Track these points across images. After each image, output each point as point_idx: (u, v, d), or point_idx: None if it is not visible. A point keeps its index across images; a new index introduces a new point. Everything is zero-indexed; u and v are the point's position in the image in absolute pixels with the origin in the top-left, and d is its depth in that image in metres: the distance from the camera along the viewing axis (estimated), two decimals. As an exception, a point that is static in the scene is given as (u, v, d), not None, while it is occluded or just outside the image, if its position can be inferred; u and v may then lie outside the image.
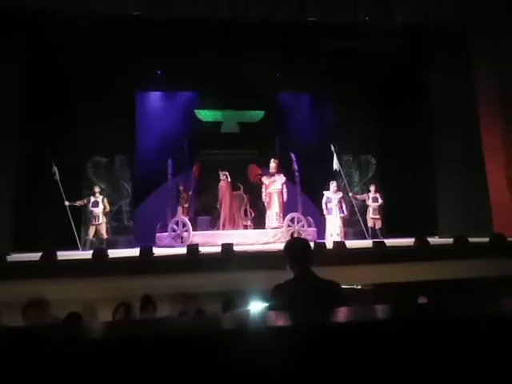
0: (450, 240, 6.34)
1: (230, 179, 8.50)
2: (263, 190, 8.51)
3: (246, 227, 8.56)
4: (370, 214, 8.53)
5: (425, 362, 1.22)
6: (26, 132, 7.93)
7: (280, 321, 1.49)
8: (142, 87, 9.40)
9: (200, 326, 1.48)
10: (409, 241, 6.45)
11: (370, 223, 8.52)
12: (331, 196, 8.13)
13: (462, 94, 7.94)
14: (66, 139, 8.29)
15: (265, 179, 8.52)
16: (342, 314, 1.56)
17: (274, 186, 8.42)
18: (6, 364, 1.08)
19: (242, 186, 8.98)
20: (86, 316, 3.43)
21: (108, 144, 8.70)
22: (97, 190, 8.07)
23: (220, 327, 1.41)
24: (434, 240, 7.11)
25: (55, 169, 7.54)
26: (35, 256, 5.58)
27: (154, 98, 9.82)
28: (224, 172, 8.53)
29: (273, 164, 8.56)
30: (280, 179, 8.43)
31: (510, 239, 6.14)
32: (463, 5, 7.28)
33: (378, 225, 8.47)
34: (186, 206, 8.59)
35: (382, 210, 8.57)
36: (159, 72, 9.13)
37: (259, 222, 8.59)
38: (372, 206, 8.54)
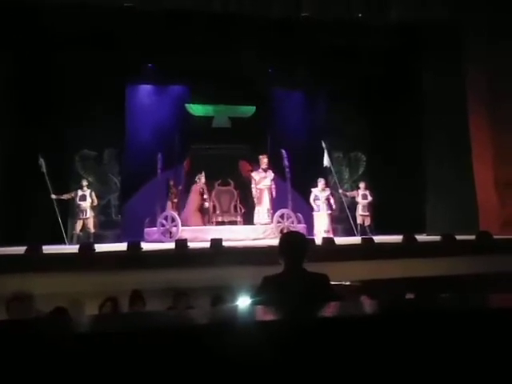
0: (438, 238, 6.42)
1: (204, 181, 8.46)
2: (253, 185, 8.50)
3: (235, 223, 8.55)
4: (360, 211, 8.59)
5: (412, 355, 1.22)
6: (14, 125, 7.81)
7: (268, 315, 1.49)
8: (132, 80, 9.28)
9: (188, 319, 1.46)
10: (397, 238, 6.51)
11: (359, 220, 8.58)
12: (318, 193, 8.17)
13: (453, 93, 8.01)
14: (54, 132, 8.16)
15: (255, 175, 8.52)
16: (330, 309, 1.56)
17: (265, 182, 8.42)
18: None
19: (232, 182, 8.96)
20: (72, 311, 3.39)
21: (97, 137, 8.59)
22: (84, 183, 7.96)
23: (208, 321, 1.40)
24: (421, 238, 7.19)
25: (42, 161, 7.42)
26: (20, 249, 5.49)
27: (145, 91, 9.70)
28: (199, 175, 8.49)
29: (264, 160, 8.55)
30: (270, 175, 8.44)
31: (495, 237, 6.24)
32: (456, 4, 7.34)
33: (367, 222, 8.53)
34: (176, 200, 8.54)
35: (371, 207, 8.63)
36: (150, 65, 9.02)
37: (249, 218, 8.58)
38: (361, 203, 8.60)
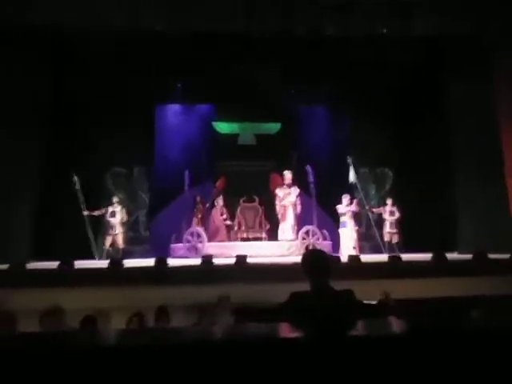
0: (470, 256, 6.19)
1: (222, 204, 8.70)
2: (277, 202, 8.50)
3: (260, 239, 8.55)
4: (387, 228, 8.41)
5: (441, 374, 1.19)
6: (48, 143, 8.18)
7: (293, 332, 1.49)
8: (161, 100, 9.59)
9: (211, 335, 1.48)
10: (426, 256, 6.32)
11: (386, 237, 8.39)
12: (344, 209, 8.06)
13: (483, 107, 7.80)
14: (87, 150, 8.52)
15: (279, 191, 8.52)
16: (356, 327, 1.55)
17: (289, 199, 8.41)
18: (23, 369, 1.11)
19: (257, 198, 9.01)
20: (100, 325, 3.46)
21: (127, 155, 8.91)
22: (115, 200, 8.21)
23: (231, 337, 1.41)
24: (453, 256, 6.93)
25: (76, 178, 7.72)
26: (53, 264, 5.69)
27: (173, 110, 10.00)
28: (217, 199, 8.71)
29: (288, 176, 8.57)
30: (294, 191, 8.42)
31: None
32: (482, 17, 7.21)
33: (395, 239, 8.33)
34: (200, 216, 8.66)
35: (399, 223, 8.44)
36: (179, 85, 9.31)
37: (274, 234, 8.57)
38: (389, 219, 8.42)
